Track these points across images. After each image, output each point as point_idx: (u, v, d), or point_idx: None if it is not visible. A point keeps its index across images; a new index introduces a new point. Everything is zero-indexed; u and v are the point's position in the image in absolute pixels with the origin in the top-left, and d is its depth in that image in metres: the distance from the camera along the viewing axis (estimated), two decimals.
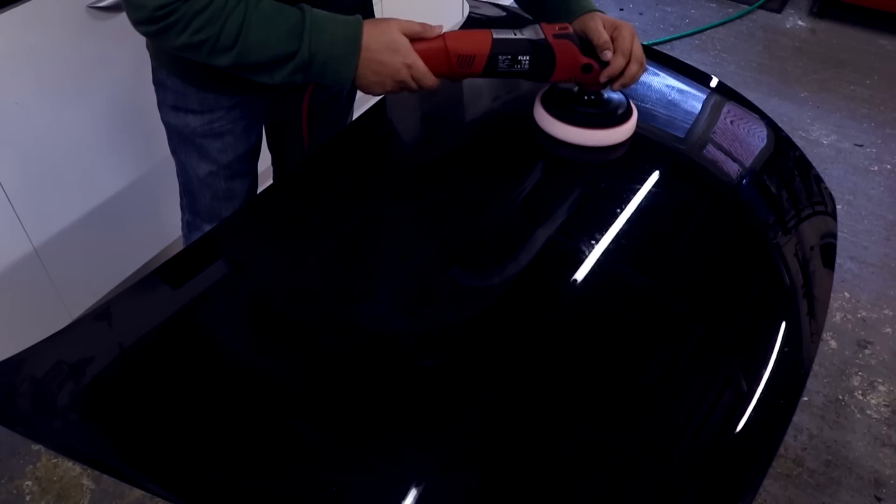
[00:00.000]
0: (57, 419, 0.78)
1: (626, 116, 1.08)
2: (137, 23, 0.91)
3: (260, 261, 0.95)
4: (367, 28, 0.95)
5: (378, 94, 1.02)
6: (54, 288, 1.68)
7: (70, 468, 1.59)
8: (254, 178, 1.34)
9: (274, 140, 1.45)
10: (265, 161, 1.44)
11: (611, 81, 1.04)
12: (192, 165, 1.26)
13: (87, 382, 0.81)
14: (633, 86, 1.06)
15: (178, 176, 1.32)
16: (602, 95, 1.09)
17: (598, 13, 1.07)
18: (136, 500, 1.54)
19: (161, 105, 1.22)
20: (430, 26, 1.00)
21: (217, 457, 0.74)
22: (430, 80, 0.99)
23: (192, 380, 0.82)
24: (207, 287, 0.92)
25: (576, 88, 1.08)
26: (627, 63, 1.02)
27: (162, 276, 0.92)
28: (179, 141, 1.25)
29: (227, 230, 1.01)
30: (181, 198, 1.36)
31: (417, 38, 0.98)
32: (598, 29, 1.02)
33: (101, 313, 0.87)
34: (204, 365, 0.83)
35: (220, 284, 0.92)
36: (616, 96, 1.10)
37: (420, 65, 0.97)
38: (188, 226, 1.38)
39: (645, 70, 1.06)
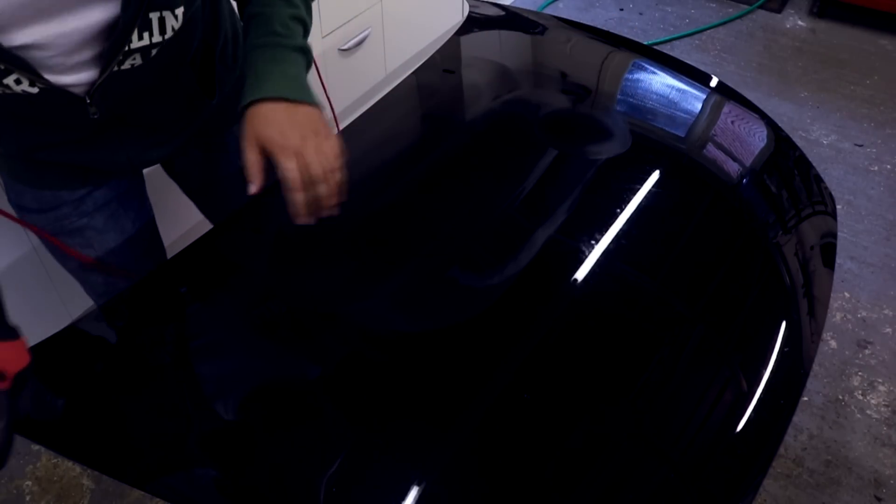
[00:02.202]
0: (57, 419, 0.78)
1: None
2: None
3: (259, 261, 0.95)
4: None
5: None
6: (54, 288, 1.68)
7: (70, 468, 1.59)
8: (148, 265, 1.12)
9: (204, 207, 1.26)
10: None
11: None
12: (58, 261, 1.09)
13: (87, 382, 0.81)
14: (633, 87, 1.06)
15: None
16: None
17: (265, 105, 0.84)
18: (136, 500, 1.54)
19: (9, 204, 1.05)
20: None
21: (217, 457, 0.74)
22: None
23: (191, 380, 0.82)
24: (207, 287, 0.92)
25: None
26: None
27: (161, 276, 0.92)
28: (38, 238, 1.06)
29: (227, 230, 1.01)
30: None
31: None
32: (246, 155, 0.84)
33: (100, 313, 0.87)
34: (203, 365, 0.83)
35: (219, 285, 0.92)
36: None
37: None
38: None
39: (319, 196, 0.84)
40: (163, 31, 0.82)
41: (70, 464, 1.59)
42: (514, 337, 0.84)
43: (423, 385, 0.80)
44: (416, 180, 1.08)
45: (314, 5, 1.02)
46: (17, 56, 0.75)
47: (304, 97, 0.86)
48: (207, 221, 1.30)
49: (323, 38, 1.93)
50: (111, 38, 0.79)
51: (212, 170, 1.14)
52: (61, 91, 0.81)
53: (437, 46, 1.32)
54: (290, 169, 0.82)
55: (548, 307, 0.88)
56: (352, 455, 0.74)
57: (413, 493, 0.70)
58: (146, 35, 0.80)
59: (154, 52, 0.83)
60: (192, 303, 0.91)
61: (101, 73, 0.82)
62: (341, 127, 1.21)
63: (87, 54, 0.80)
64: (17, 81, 0.77)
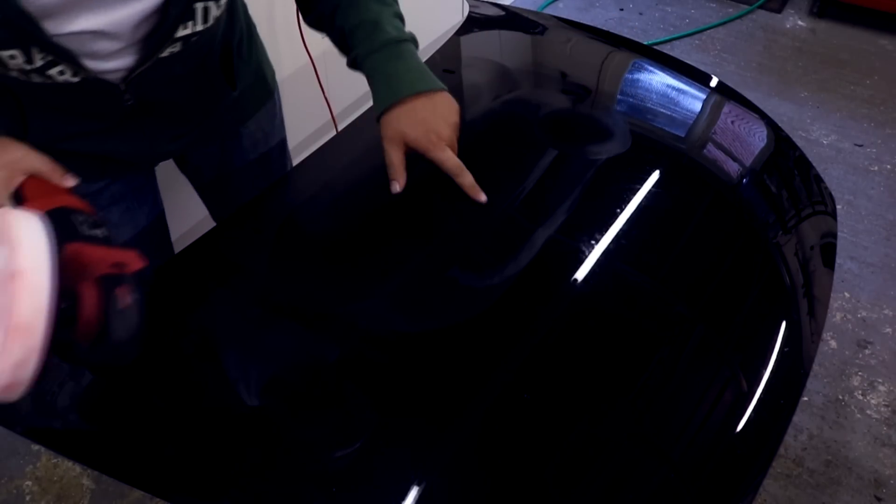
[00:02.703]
0: (57, 419, 0.78)
1: None
2: None
3: (260, 260, 0.95)
4: None
5: None
6: None
7: (70, 468, 1.59)
8: (156, 259, 1.10)
9: (211, 203, 1.28)
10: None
11: None
12: None
13: (87, 382, 0.81)
14: (632, 87, 1.06)
15: None
16: None
17: (404, 106, 0.91)
18: (136, 500, 1.54)
19: None
20: (57, 169, 0.80)
21: (217, 457, 0.74)
22: None
23: (191, 380, 0.82)
24: (207, 287, 0.92)
25: None
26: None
27: (161, 275, 0.92)
28: None
29: (228, 230, 1.01)
30: None
31: (38, 176, 0.79)
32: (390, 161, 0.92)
33: None
34: (204, 365, 0.83)
35: (219, 284, 0.92)
36: None
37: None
38: None
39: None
40: (205, 19, 0.84)
41: (70, 464, 1.59)
42: (513, 337, 0.84)
43: (423, 385, 0.80)
44: (417, 180, 1.08)
45: None
46: (63, 47, 0.77)
47: (433, 85, 0.92)
48: (211, 218, 1.30)
49: (323, 38, 1.92)
50: (160, 27, 0.81)
51: (225, 164, 1.16)
52: (99, 80, 0.84)
53: (437, 46, 1.32)
54: (448, 159, 0.89)
55: (548, 307, 0.88)
56: (351, 455, 0.74)
57: (413, 493, 0.70)
58: (190, 24, 0.83)
59: (193, 40, 0.86)
60: (194, 301, 0.90)
61: (143, 60, 0.84)
62: (341, 127, 1.21)
63: (130, 42, 0.82)
64: (61, 72, 0.79)
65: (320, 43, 1.05)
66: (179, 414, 0.78)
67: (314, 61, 1.53)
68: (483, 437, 0.76)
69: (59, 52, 0.77)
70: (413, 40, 0.95)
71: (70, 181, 0.80)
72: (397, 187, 0.93)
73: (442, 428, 0.76)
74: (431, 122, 0.90)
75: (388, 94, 0.91)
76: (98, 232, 0.72)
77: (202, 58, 0.94)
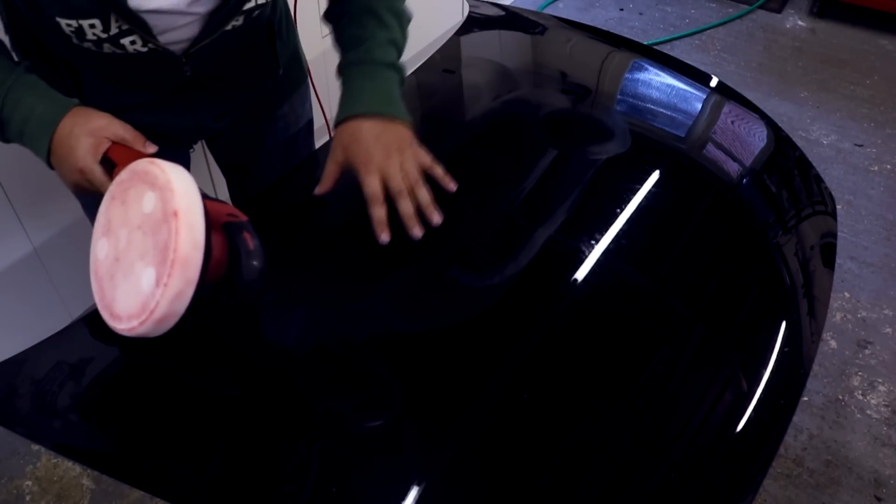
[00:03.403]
0: (57, 419, 0.78)
1: None
2: None
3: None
4: (70, 117, 0.84)
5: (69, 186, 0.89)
6: (54, 288, 1.68)
7: (70, 468, 1.59)
8: None
9: (233, 181, 1.32)
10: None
11: None
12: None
13: (87, 382, 0.81)
14: (632, 87, 1.06)
15: None
16: None
17: (356, 122, 0.90)
18: (136, 500, 1.54)
19: None
20: (140, 136, 0.86)
21: (216, 457, 0.74)
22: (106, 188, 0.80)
23: (191, 380, 0.82)
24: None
25: None
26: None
27: None
28: (87, 207, 1.11)
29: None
30: None
31: (123, 143, 0.85)
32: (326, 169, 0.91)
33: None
34: (203, 365, 0.83)
35: None
36: None
37: (94, 173, 0.83)
38: None
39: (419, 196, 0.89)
40: None
41: (70, 464, 1.59)
42: (513, 337, 0.84)
43: (423, 385, 0.80)
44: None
45: (315, 4, 1.03)
46: (140, 18, 0.81)
47: (394, 112, 0.92)
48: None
49: (323, 37, 1.92)
50: (229, 1, 0.85)
51: (255, 143, 1.19)
52: (165, 51, 0.87)
53: (437, 46, 1.32)
54: (368, 184, 0.88)
55: (548, 307, 0.88)
56: (351, 455, 0.74)
57: (413, 493, 0.70)
58: None
59: (255, 14, 0.89)
60: (191, 301, 0.90)
61: (207, 34, 0.88)
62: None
63: (199, 18, 0.86)
64: (133, 42, 0.83)
65: (317, 45, 1.06)
66: (179, 414, 0.78)
67: (308, 64, 1.53)
68: (483, 437, 0.76)
69: (136, 22, 0.81)
70: (398, 69, 0.96)
71: (151, 148, 0.86)
72: (318, 191, 0.93)
73: (441, 428, 0.76)
74: (372, 145, 0.89)
75: (348, 106, 0.93)
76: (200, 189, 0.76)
77: (254, 34, 0.99)
